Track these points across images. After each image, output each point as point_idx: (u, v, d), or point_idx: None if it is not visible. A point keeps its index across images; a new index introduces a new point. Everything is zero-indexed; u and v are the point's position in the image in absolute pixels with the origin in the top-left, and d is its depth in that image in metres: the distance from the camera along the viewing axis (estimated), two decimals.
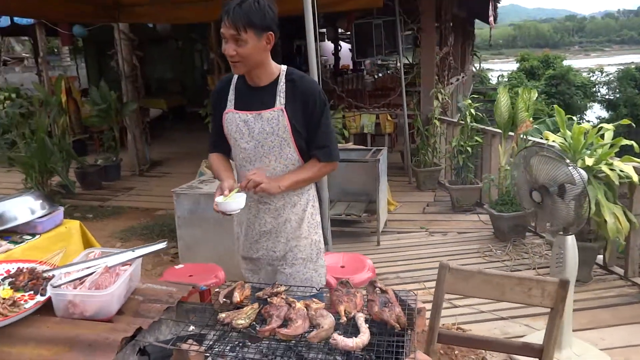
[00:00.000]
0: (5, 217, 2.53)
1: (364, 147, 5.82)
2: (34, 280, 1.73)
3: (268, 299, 1.66)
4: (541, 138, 4.86)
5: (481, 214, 5.42)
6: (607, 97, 23.38)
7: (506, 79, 23.78)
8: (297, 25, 3.44)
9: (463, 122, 5.76)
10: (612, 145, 3.62)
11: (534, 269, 4.12)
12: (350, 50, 9.73)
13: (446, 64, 8.50)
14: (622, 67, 24.63)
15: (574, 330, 3.01)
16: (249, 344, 1.60)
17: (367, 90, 10.18)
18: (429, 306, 1.87)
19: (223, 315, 1.59)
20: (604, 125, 3.67)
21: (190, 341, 1.51)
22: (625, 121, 3.79)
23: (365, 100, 8.56)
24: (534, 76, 23.46)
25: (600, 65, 29.49)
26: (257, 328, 1.54)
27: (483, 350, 2.94)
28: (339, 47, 15.48)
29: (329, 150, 1.99)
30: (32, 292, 1.68)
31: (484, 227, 5.15)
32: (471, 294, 1.88)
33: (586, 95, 22.44)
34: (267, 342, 1.58)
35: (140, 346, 1.59)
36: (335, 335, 1.45)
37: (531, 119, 4.66)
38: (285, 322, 1.55)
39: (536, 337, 2.77)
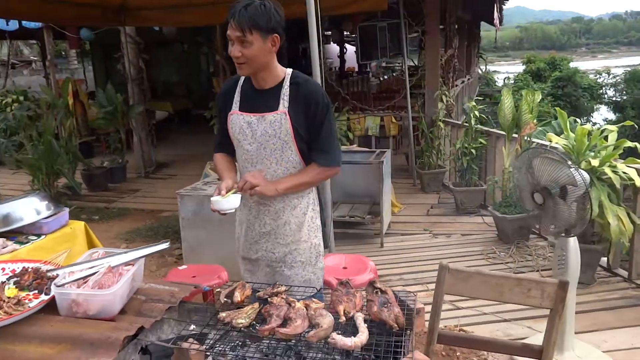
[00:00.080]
0: (11, 218, 2.57)
1: (368, 150, 5.83)
2: (39, 280, 1.75)
3: (268, 299, 1.67)
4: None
5: (485, 216, 5.42)
6: (614, 99, 23.27)
7: (512, 81, 23.74)
8: (302, 28, 3.46)
9: (467, 125, 5.76)
10: (615, 147, 3.62)
11: (538, 271, 4.12)
12: (356, 52, 9.76)
13: (451, 66, 8.50)
14: (629, 69, 24.51)
15: (576, 333, 3.01)
16: (249, 343, 1.62)
17: (372, 92, 10.23)
18: (431, 307, 1.88)
19: (224, 314, 1.61)
20: (608, 126, 3.66)
21: (190, 340, 1.53)
22: (629, 122, 3.78)
23: (370, 102, 8.59)
24: (540, 78, 23.40)
25: (607, 67, 29.38)
26: (257, 327, 1.56)
27: (485, 352, 2.95)
28: (345, 50, 15.52)
29: (330, 155, 1.99)
30: (36, 292, 1.71)
31: (487, 229, 5.14)
32: (470, 294, 1.89)
33: (593, 97, 22.35)
34: (267, 341, 1.60)
35: (142, 345, 1.61)
36: (334, 335, 1.47)
37: (535, 120, 4.66)
38: (285, 321, 1.56)
39: (538, 339, 2.76)
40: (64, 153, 6.25)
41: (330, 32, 13.75)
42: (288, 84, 1.95)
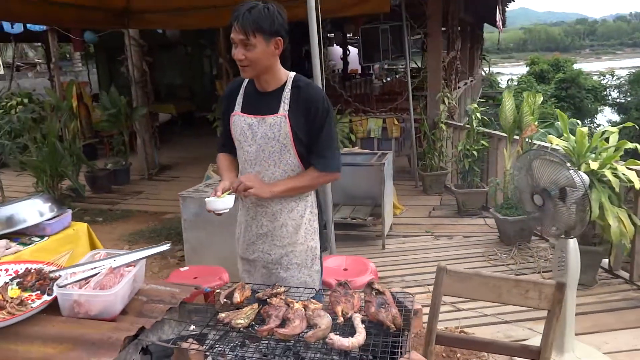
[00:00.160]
0: (15, 220, 2.60)
1: (370, 152, 5.85)
2: (41, 281, 1.78)
3: (267, 300, 1.69)
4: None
5: (487, 217, 5.42)
6: (618, 100, 23.20)
7: (516, 83, 23.71)
8: (305, 31, 3.47)
9: (469, 126, 5.77)
10: (616, 149, 3.62)
11: (539, 272, 4.12)
12: (358, 55, 9.78)
13: (453, 68, 8.51)
14: (633, 70, 24.41)
15: (577, 334, 3.01)
16: (249, 343, 1.63)
17: (375, 94, 10.24)
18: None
19: (223, 315, 1.63)
20: (608, 128, 3.67)
21: (190, 340, 1.55)
22: (630, 124, 3.78)
23: (373, 104, 8.60)
24: (544, 80, 23.36)
25: (611, 68, 29.28)
26: (256, 328, 1.58)
27: (485, 353, 2.96)
28: (348, 52, 15.54)
29: (329, 160, 1.99)
30: (39, 292, 1.73)
31: (489, 231, 5.15)
32: (469, 295, 1.90)
33: (597, 99, 22.28)
34: (267, 341, 1.62)
35: (143, 345, 1.63)
36: (332, 335, 1.48)
37: (536, 122, 4.67)
38: (284, 322, 1.58)
39: (537, 340, 2.77)
40: (67, 155, 6.30)
41: (333, 34, 13.78)
42: (290, 87, 1.96)
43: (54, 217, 2.76)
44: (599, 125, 19.41)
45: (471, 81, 12.91)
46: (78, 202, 6.63)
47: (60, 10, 5.94)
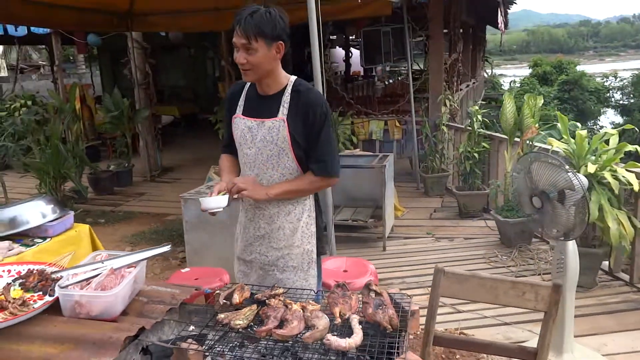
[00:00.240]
0: (18, 221, 2.63)
1: (371, 154, 5.87)
2: (43, 282, 1.80)
3: (266, 301, 1.71)
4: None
5: (488, 219, 5.43)
6: (621, 102, 23.15)
7: (518, 85, 23.68)
8: (308, 33, 3.49)
9: (470, 129, 5.79)
10: (616, 151, 3.63)
11: (539, 274, 4.13)
12: (360, 57, 9.80)
13: (455, 70, 8.52)
14: (637, 72, 24.35)
15: (577, 336, 3.02)
16: (248, 344, 1.65)
17: (377, 96, 10.24)
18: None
19: (222, 316, 1.65)
20: (608, 130, 3.67)
21: (189, 340, 1.57)
22: (629, 126, 3.79)
23: (375, 106, 8.62)
24: (546, 82, 23.33)
25: (614, 70, 29.21)
26: (255, 329, 1.60)
27: (485, 355, 2.97)
28: (350, 54, 15.56)
29: (326, 165, 2.00)
30: (41, 293, 1.75)
31: (490, 233, 5.16)
32: (466, 297, 1.91)
33: (599, 101, 22.24)
34: (265, 342, 1.64)
35: (143, 345, 1.65)
36: (329, 336, 1.50)
37: (537, 125, 4.68)
38: (282, 323, 1.60)
39: (537, 342, 2.79)
40: (70, 157, 6.34)
41: (335, 37, 13.80)
42: (290, 91, 1.98)
43: (57, 219, 2.78)
44: (601, 127, 19.38)
45: (473, 83, 12.91)
46: (81, 204, 6.67)
47: (64, 13, 6.00)
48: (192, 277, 2.98)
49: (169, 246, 1.95)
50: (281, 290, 1.80)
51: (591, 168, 3.43)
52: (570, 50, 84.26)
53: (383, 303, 1.65)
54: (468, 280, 1.88)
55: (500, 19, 9.88)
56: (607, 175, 3.45)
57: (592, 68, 34.76)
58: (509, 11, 15.04)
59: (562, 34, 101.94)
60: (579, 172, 3.47)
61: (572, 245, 2.82)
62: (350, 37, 14.20)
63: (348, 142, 6.98)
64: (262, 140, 1.98)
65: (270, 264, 2.09)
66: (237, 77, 1.95)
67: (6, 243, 2.56)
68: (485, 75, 19.61)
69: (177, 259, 4.68)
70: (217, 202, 1.90)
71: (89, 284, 1.71)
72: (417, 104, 7.31)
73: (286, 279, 2.06)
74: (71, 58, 19.71)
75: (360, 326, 1.56)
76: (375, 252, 4.87)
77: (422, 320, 1.91)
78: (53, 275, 1.83)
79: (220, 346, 1.62)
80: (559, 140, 3.96)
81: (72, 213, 2.92)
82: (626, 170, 3.58)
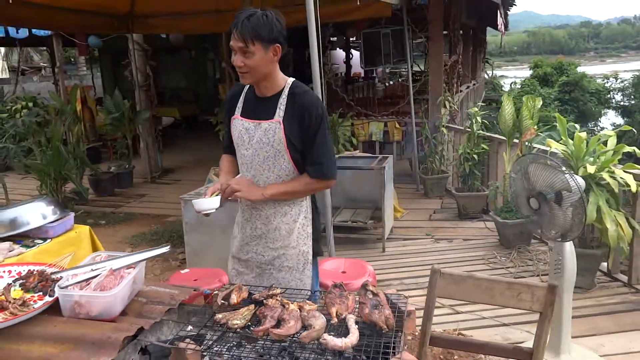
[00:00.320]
0: (18, 222, 2.65)
1: (371, 155, 5.89)
2: (43, 282, 1.82)
3: (264, 301, 1.73)
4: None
5: (487, 221, 5.45)
6: (622, 103, 23.15)
7: (519, 86, 23.69)
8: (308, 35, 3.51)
9: (470, 130, 5.80)
10: (614, 152, 3.64)
11: (538, 275, 4.14)
12: (360, 58, 9.83)
13: (455, 71, 8.54)
14: (637, 73, 24.35)
15: (575, 337, 3.04)
16: (245, 344, 1.67)
17: (377, 98, 10.27)
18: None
19: (220, 316, 1.67)
20: (606, 132, 3.69)
21: (187, 340, 1.58)
22: (627, 127, 3.80)
23: (375, 108, 8.65)
24: (547, 83, 23.33)
25: (615, 71, 29.19)
26: (252, 328, 1.61)
27: (483, 356, 2.98)
28: (351, 56, 15.57)
29: (322, 167, 2.01)
30: (41, 293, 1.77)
31: (489, 234, 5.17)
32: (462, 297, 1.93)
33: (600, 102, 22.24)
34: (263, 342, 1.65)
35: (142, 345, 1.67)
36: (325, 336, 1.51)
37: (535, 126, 4.69)
38: (279, 322, 1.62)
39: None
40: (71, 158, 6.36)
41: (335, 38, 13.82)
42: (286, 93, 1.99)
43: (57, 220, 2.80)
44: (602, 128, 19.37)
45: (474, 84, 12.92)
46: (81, 205, 6.70)
47: (65, 16, 6.03)
48: (192, 278, 3.00)
49: (168, 247, 1.97)
50: (279, 291, 1.81)
51: (590, 169, 3.45)
52: (571, 52, 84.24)
53: (379, 303, 1.67)
54: (464, 281, 1.89)
55: (500, 20, 9.89)
56: (606, 176, 3.46)
57: (592, 69, 34.74)
58: (509, 12, 15.07)
59: (563, 35, 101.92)
60: (577, 173, 3.49)
61: (569, 247, 2.84)
62: (351, 39, 14.22)
63: (348, 144, 7.00)
64: (259, 142, 2.00)
65: (267, 264, 2.11)
66: (237, 79, 1.97)
67: (7, 244, 2.58)
68: (486, 76, 19.62)
69: (177, 260, 4.70)
70: (209, 203, 1.93)
71: (88, 284, 1.73)
72: (417, 106, 7.33)
73: (281, 279, 2.08)
74: (72, 60, 19.76)
75: (357, 326, 1.58)
76: (374, 253, 4.88)
77: (420, 321, 1.93)
78: (53, 276, 1.85)
79: (218, 346, 1.63)
80: (558, 141, 3.97)
81: (72, 214, 2.94)
82: (624, 171, 3.59)
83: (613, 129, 4.20)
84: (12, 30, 9.42)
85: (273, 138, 1.97)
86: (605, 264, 4.06)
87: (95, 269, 1.82)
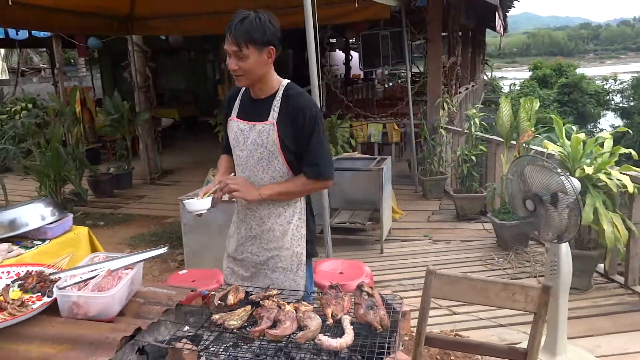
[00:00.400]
0: (17, 223, 2.66)
1: (370, 156, 5.90)
2: (42, 283, 1.83)
3: (260, 302, 1.74)
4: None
5: (485, 222, 5.47)
6: (621, 105, 23.17)
7: (518, 88, 23.72)
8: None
9: (468, 132, 5.82)
10: (611, 154, 3.66)
11: (535, 277, 4.16)
12: (359, 60, 9.84)
13: (454, 73, 8.56)
14: (637, 75, 24.38)
15: (571, 338, 3.06)
16: (242, 344, 1.68)
17: (376, 99, 10.30)
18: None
19: (217, 316, 1.68)
20: (602, 134, 3.71)
21: (184, 340, 1.60)
22: (623, 129, 3.83)
23: (374, 109, 8.67)
24: (546, 84, 23.37)
25: (614, 73, 29.22)
26: (248, 329, 1.63)
27: (479, 356, 3.00)
28: (350, 57, 15.60)
29: (319, 168, 2.02)
30: (39, 294, 1.78)
31: (487, 235, 5.19)
32: (457, 298, 1.94)
33: (599, 104, 22.28)
34: (259, 342, 1.67)
35: (140, 345, 1.69)
36: (321, 336, 1.53)
37: (533, 128, 4.71)
38: (275, 323, 1.63)
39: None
40: (71, 160, 6.37)
41: (335, 40, 13.85)
42: (281, 95, 2.01)
43: (56, 221, 2.82)
44: (601, 129, 19.40)
45: (473, 86, 12.95)
46: (81, 206, 6.71)
47: (65, 17, 6.04)
48: (190, 279, 3.02)
49: (166, 248, 1.99)
50: (275, 292, 1.83)
51: (587, 170, 3.46)
52: (571, 53, 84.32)
53: (375, 304, 1.69)
54: (459, 282, 1.91)
55: (498, 22, 9.92)
56: (603, 177, 3.47)
57: (592, 71, 34.75)
58: (509, 14, 15.10)
59: (563, 37, 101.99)
60: (574, 175, 3.51)
61: (565, 248, 2.85)
62: (350, 40, 14.25)
63: (347, 145, 7.01)
64: (253, 143, 2.01)
65: (262, 264, 2.13)
66: None
67: (6, 245, 2.60)
68: (485, 78, 19.66)
69: (175, 261, 4.71)
70: (201, 204, 1.96)
71: (86, 285, 1.74)
72: (416, 107, 7.35)
73: (275, 279, 2.10)
74: (72, 61, 19.78)
75: (352, 327, 1.60)
76: (372, 254, 4.90)
77: (414, 322, 1.95)
78: (51, 277, 1.86)
79: (215, 346, 1.65)
80: (555, 143, 3.99)
81: (71, 216, 2.96)
82: (620, 172, 3.60)
83: (613, 130, 4.22)
84: (12, 32, 9.45)
85: (267, 140, 1.98)
86: (602, 265, 4.08)
87: (94, 270, 1.83)
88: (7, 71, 20.00)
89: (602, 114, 22.81)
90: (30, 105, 9.80)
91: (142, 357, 1.71)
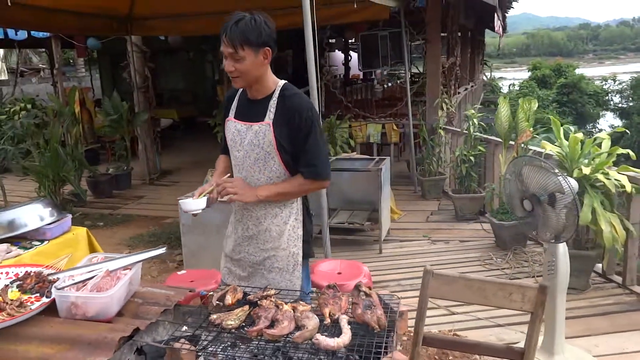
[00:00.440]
0: (16, 224, 2.67)
1: (368, 157, 5.91)
2: (40, 283, 1.83)
3: (258, 302, 1.75)
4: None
5: (483, 222, 5.47)
6: (620, 105, 23.20)
7: (517, 88, 23.74)
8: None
9: (467, 132, 5.83)
10: (609, 154, 3.67)
11: (533, 276, 4.17)
12: (358, 60, 9.86)
13: (453, 73, 8.57)
14: (636, 75, 24.40)
15: (569, 338, 3.06)
16: (240, 344, 1.69)
17: (375, 100, 10.30)
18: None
19: (214, 316, 1.69)
20: (600, 134, 3.72)
21: (182, 341, 1.60)
22: (620, 129, 3.84)
23: (373, 109, 8.68)
24: (545, 85, 23.40)
25: (613, 73, 29.25)
26: (246, 329, 1.63)
27: (477, 356, 3.00)
28: (349, 57, 15.61)
29: (316, 168, 2.02)
30: (38, 294, 1.79)
31: (486, 235, 5.20)
32: (454, 298, 1.95)
33: (598, 104, 22.31)
34: (257, 342, 1.67)
35: (138, 345, 1.69)
36: (318, 336, 1.54)
37: (531, 128, 4.72)
38: (273, 323, 1.64)
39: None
40: (70, 160, 6.38)
41: (334, 40, 13.85)
42: (277, 96, 2.02)
43: (54, 222, 2.82)
44: (600, 130, 19.41)
45: (472, 86, 12.97)
46: (80, 207, 6.71)
47: (64, 18, 6.04)
48: (188, 280, 3.01)
49: (164, 249, 2.00)
50: (273, 292, 1.83)
51: (585, 170, 3.47)
52: (570, 54, 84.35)
53: (372, 304, 1.69)
54: (456, 282, 1.91)
55: (497, 23, 9.94)
56: (601, 177, 3.48)
57: (591, 71, 34.77)
58: (508, 14, 15.12)
59: (562, 37, 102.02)
60: (572, 175, 3.52)
61: (562, 248, 2.86)
62: (350, 41, 14.25)
63: (346, 145, 7.02)
64: (250, 144, 2.02)
65: (258, 264, 2.14)
66: None
67: (4, 245, 2.61)
68: (485, 78, 19.68)
69: (174, 261, 4.72)
70: (196, 204, 1.98)
71: (85, 285, 1.74)
72: (415, 108, 7.36)
73: (272, 279, 2.11)
74: (71, 61, 19.78)
75: (349, 326, 1.60)
76: (371, 254, 4.91)
77: (411, 322, 1.95)
78: (50, 277, 1.86)
79: (213, 346, 1.66)
80: (554, 143, 4.00)
81: (69, 216, 2.96)
82: (618, 173, 3.61)
83: (612, 131, 4.23)
84: (11, 32, 9.44)
85: (263, 140, 1.99)
86: (600, 265, 4.09)
87: (92, 270, 1.84)
88: (6, 71, 20.00)
89: (601, 114, 22.84)
90: (29, 106, 9.80)
91: (140, 357, 1.71)
